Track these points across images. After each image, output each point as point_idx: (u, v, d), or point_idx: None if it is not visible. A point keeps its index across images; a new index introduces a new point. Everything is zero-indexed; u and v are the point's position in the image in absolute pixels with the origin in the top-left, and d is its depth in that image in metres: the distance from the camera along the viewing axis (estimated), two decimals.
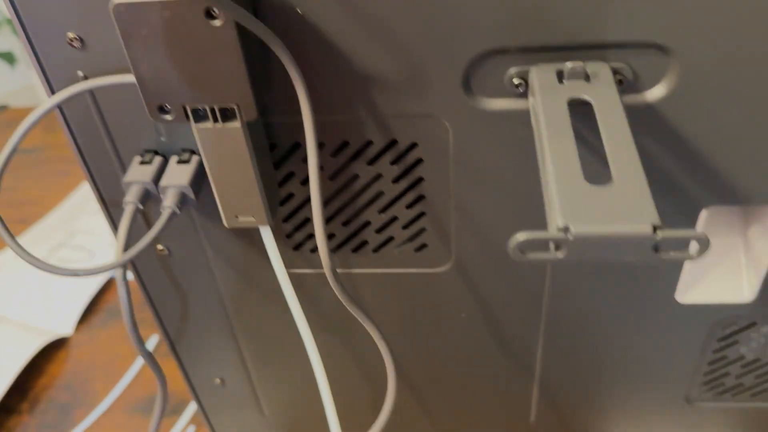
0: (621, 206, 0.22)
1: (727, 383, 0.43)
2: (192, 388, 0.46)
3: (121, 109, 0.31)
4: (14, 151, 0.28)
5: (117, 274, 0.30)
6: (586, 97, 0.27)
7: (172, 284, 0.39)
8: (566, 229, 0.22)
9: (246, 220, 0.31)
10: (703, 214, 0.33)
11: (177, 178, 0.31)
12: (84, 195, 0.83)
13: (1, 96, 1.00)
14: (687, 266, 0.37)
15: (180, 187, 0.31)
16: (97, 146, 0.33)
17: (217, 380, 0.46)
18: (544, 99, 0.27)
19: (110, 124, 0.32)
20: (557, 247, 0.22)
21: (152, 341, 0.66)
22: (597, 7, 0.27)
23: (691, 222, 0.34)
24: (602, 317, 0.39)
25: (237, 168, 0.29)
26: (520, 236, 0.22)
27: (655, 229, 0.21)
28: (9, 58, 1.00)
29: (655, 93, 0.29)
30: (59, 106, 0.30)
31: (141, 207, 0.31)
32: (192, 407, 0.61)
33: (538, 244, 0.22)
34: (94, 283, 0.71)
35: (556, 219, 0.22)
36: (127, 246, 0.30)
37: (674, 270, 0.36)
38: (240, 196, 0.30)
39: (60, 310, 0.68)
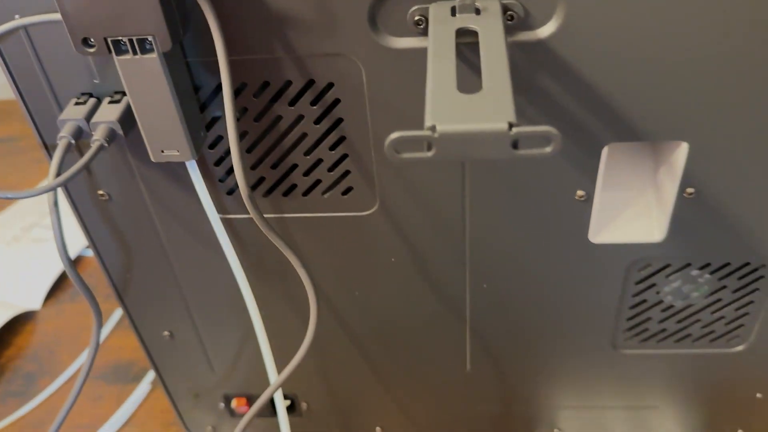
0: (484, 109, 0.24)
1: (651, 329, 0.45)
2: (142, 341, 0.48)
3: (57, 53, 0.34)
4: None
5: (49, 198, 0.32)
6: (473, 27, 0.29)
7: (115, 232, 0.41)
8: (433, 128, 0.24)
9: (171, 154, 0.33)
10: (605, 151, 0.36)
11: (107, 115, 0.33)
12: None
13: None
14: (598, 206, 0.39)
15: (109, 123, 0.33)
16: (37, 91, 0.35)
17: (166, 333, 0.48)
18: (435, 28, 0.29)
19: (47, 68, 0.34)
20: (429, 147, 0.24)
21: (115, 316, 0.68)
22: None
23: (595, 159, 0.36)
24: (521, 259, 0.41)
25: (158, 100, 0.31)
26: (394, 135, 0.24)
27: (510, 126, 0.23)
28: None
29: (546, 29, 0.31)
30: None
31: (73, 141, 0.33)
32: (151, 375, 0.62)
33: (412, 145, 0.24)
34: None
35: (426, 120, 0.24)
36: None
37: (585, 209, 0.38)
38: (163, 130, 0.33)
39: (28, 285, 0.70)
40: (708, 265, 0.41)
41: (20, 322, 0.68)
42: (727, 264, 0.41)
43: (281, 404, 0.44)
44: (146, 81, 0.31)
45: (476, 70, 0.32)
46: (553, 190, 0.37)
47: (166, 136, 0.33)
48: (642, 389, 0.49)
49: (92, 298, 0.37)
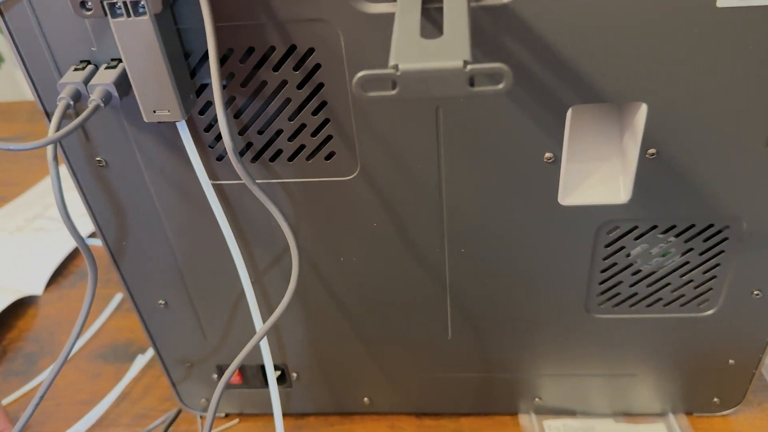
0: (443, 51, 0.27)
1: (623, 293, 0.47)
2: (137, 309, 0.50)
3: (57, 22, 0.36)
4: None
5: (48, 150, 0.35)
6: None
7: (111, 199, 0.44)
8: (396, 67, 0.26)
9: (162, 114, 0.36)
10: (570, 113, 0.38)
11: (104, 78, 0.36)
12: None
13: None
14: (567, 169, 0.41)
15: (105, 85, 0.36)
16: (39, 60, 0.38)
17: (161, 302, 0.50)
18: None
19: (49, 37, 0.37)
20: (393, 86, 0.27)
21: (115, 301, 0.71)
22: None
23: (561, 121, 0.38)
24: (495, 222, 0.43)
25: (150, 61, 0.34)
26: (360, 73, 0.26)
27: (465, 64, 0.26)
28: None
29: None
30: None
31: (72, 103, 0.36)
32: (149, 353, 0.64)
33: (378, 84, 0.27)
34: (66, 248, 0.75)
35: (390, 60, 0.27)
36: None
37: (554, 171, 0.40)
38: (155, 90, 0.35)
39: (31, 272, 0.72)
40: (674, 227, 0.43)
41: (23, 306, 0.71)
42: (692, 226, 0.43)
43: (267, 353, 0.46)
44: (139, 42, 0.33)
45: (442, 30, 0.34)
46: (522, 152, 0.40)
47: (157, 96, 0.35)
48: (618, 356, 0.51)
49: (84, 245, 0.39)
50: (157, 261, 0.47)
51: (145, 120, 0.36)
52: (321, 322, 0.50)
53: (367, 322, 0.50)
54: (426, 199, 0.42)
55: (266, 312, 0.49)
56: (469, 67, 0.26)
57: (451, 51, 0.27)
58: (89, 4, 0.33)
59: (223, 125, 0.34)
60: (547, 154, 0.40)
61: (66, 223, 0.36)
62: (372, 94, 0.27)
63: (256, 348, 0.51)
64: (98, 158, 0.42)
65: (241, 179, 0.42)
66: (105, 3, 0.32)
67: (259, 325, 0.46)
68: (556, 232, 0.43)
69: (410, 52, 0.27)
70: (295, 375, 0.54)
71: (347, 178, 0.42)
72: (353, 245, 0.45)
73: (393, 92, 0.27)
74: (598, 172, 0.42)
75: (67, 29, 0.36)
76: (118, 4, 0.32)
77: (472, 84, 0.26)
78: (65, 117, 0.38)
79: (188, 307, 0.50)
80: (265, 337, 0.48)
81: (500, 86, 0.26)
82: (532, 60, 0.36)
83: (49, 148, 0.35)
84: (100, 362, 0.64)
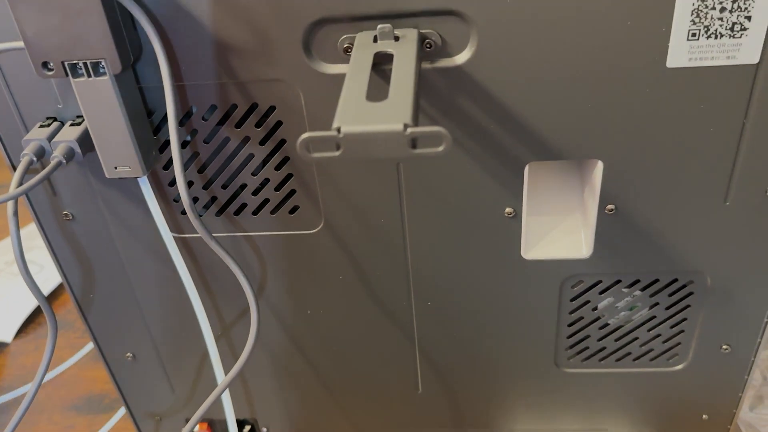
0: (386, 114, 0.27)
1: (591, 347, 0.47)
2: (105, 362, 0.50)
3: (24, 80, 0.37)
4: None
5: (9, 207, 0.35)
6: (390, 50, 0.32)
7: (78, 252, 0.44)
8: (338, 129, 0.27)
9: (123, 170, 0.36)
10: (527, 169, 0.38)
11: (67, 135, 0.36)
12: None
13: None
14: (529, 224, 0.41)
15: (68, 142, 0.36)
16: (6, 116, 0.38)
17: (129, 355, 0.50)
18: (357, 52, 0.32)
19: (15, 94, 0.38)
20: (337, 147, 0.27)
21: (86, 349, 0.70)
22: None
23: (519, 177, 0.39)
24: (460, 277, 0.43)
25: (111, 119, 0.35)
26: (304, 135, 0.27)
27: (405, 127, 0.26)
28: None
29: (463, 56, 0.35)
30: None
31: (35, 159, 0.36)
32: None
33: (323, 145, 0.27)
34: None
35: (333, 123, 0.27)
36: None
37: (515, 226, 0.41)
38: (116, 147, 0.36)
39: (2, 318, 0.72)
40: (638, 281, 0.43)
41: None
42: (656, 281, 0.43)
43: (229, 406, 0.45)
44: (100, 101, 0.34)
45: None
46: (483, 208, 0.40)
47: (118, 153, 0.36)
48: (590, 410, 0.50)
49: (39, 293, 0.39)
50: (123, 314, 0.47)
51: (107, 176, 0.37)
52: (289, 375, 0.50)
53: (336, 376, 0.50)
54: (391, 252, 0.43)
55: (233, 365, 0.49)
56: (409, 130, 0.26)
57: (392, 114, 0.27)
58: (51, 64, 0.33)
59: (180, 183, 0.35)
60: (508, 209, 0.40)
61: (24, 276, 0.37)
62: (316, 155, 0.27)
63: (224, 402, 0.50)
64: (65, 212, 0.42)
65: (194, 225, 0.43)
66: (66, 64, 0.33)
67: (219, 370, 0.46)
68: (520, 286, 0.43)
69: (354, 115, 0.27)
70: (265, 430, 0.54)
71: (312, 231, 0.42)
72: (320, 298, 0.45)
73: (336, 153, 0.27)
74: (560, 226, 0.42)
75: (34, 87, 0.37)
76: (79, 64, 0.33)
77: (414, 146, 0.27)
78: (30, 172, 0.38)
79: (156, 360, 0.50)
80: (228, 391, 0.47)
81: (440, 148, 0.27)
82: (487, 118, 0.37)
83: (10, 204, 0.35)
84: (73, 413, 0.63)
